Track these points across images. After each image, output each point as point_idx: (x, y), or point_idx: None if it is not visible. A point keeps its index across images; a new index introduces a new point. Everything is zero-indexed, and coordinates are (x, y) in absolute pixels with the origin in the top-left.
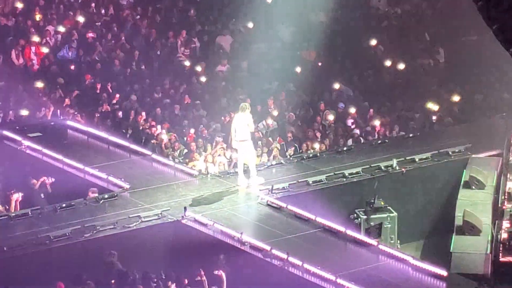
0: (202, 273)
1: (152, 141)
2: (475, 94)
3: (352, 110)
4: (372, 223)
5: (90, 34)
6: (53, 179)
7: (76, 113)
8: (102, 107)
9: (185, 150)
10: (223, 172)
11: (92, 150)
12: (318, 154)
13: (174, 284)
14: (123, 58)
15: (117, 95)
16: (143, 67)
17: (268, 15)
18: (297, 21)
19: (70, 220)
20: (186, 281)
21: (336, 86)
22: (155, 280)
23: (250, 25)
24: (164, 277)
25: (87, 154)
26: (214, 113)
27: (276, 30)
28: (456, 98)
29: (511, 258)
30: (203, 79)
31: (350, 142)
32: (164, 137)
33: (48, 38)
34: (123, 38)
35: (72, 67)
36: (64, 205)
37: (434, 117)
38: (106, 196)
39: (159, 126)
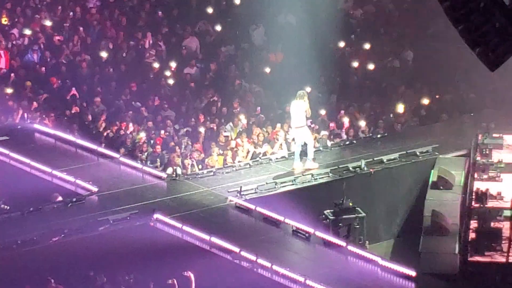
0: (175, 281)
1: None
2: (442, 95)
3: (322, 111)
4: (340, 224)
5: (57, 37)
6: None
7: (44, 116)
8: (70, 110)
9: (151, 151)
10: (191, 174)
11: (59, 153)
12: (287, 156)
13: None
14: (90, 60)
15: (84, 99)
16: (111, 69)
17: (236, 17)
18: (265, 22)
19: (37, 224)
20: (153, 285)
21: (308, 89)
22: (123, 284)
23: (218, 27)
24: (132, 281)
25: (54, 157)
26: (182, 115)
27: (245, 32)
28: (424, 99)
29: (479, 258)
30: (171, 81)
31: (317, 143)
32: (142, 134)
33: (13, 42)
34: (90, 40)
35: (38, 70)
36: (31, 209)
37: (402, 118)
38: (73, 199)
39: (130, 125)
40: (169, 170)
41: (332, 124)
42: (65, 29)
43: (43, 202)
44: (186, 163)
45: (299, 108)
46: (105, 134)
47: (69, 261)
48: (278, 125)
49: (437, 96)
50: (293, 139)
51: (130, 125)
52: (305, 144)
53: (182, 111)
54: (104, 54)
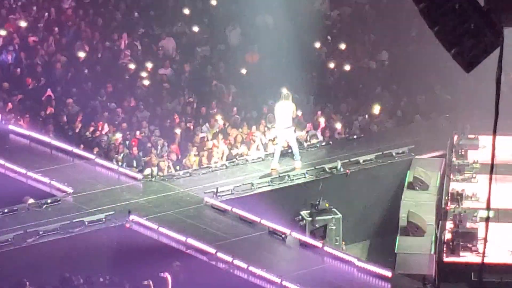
0: (150, 282)
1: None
2: (418, 96)
3: (299, 112)
4: (317, 225)
5: (32, 38)
6: None
7: (18, 117)
8: (45, 111)
9: (127, 152)
10: (167, 175)
11: (34, 154)
12: (263, 157)
13: None
14: (66, 61)
15: (60, 99)
16: (86, 70)
17: (213, 18)
18: (241, 23)
19: (12, 225)
20: (129, 286)
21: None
22: (99, 285)
23: (195, 28)
24: (107, 282)
25: (29, 158)
26: (158, 116)
27: (221, 33)
28: (400, 100)
29: (455, 258)
30: (146, 82)
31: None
32: (118, 135)
33: None
34: (65, 41)
35: (13, 71)
36: (6, 210)
37: (378, 119)
38: (49, 200)
39: (106, 125)
40: (147, 171)
41: (308, 125)
42: (40, 30)
43: (18, 203)
44: (162, 164)
45: (286, 108)
46: (81, 135)
47: (44, 262)
48: (254, 127)
49: (412, 97)
50: (271, 140)
51: (106, 126)
52: (288, 146)
53: (157, 112)
54: (80, 55)
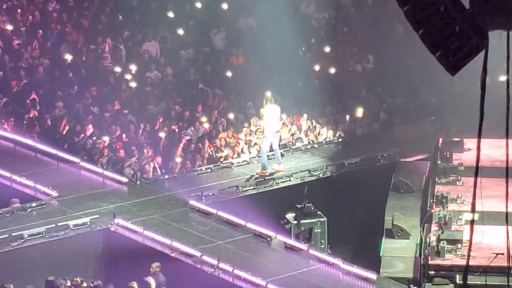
0: (135, 284)
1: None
2: (403, 99)
3: (283, 116)
4: (302, 228)
5: (16, 41)
6: None
7: (3, 120)
8: (29, 114)
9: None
10: (152, 178)
11: (19, 158)
12: (248, 160)
13: None
14: (50, 64)
15: (44, 103)
16: (70, 74)
17: (198, 21)
18: (226, 26)
19: None
20: None
21: (268, 93)
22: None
23: (180, 31)
24: (92, 285)
25: (14, 162)
26: (142, 119)
27: (206, 36)
28: (385, 103)
29: (440, 261)
30: (131, 85)
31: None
32: (105, 138)
33: None
34: (49, 44)
35: None
36: None
37: (362, 122)
38: (33, 204)
39: (91, 129)
40: (127, 171)
41: (293, 128)
42: (23, 33)
43: (2, 207)
44: (147, 168)
45: (275, 112)
46: (66, 138)
47: (29, 266)
48: (243, 129)
49: (397, 100)
50: (256, 143)
51: (91, 128)
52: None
53: (142, 116)
54: (66, 57)
